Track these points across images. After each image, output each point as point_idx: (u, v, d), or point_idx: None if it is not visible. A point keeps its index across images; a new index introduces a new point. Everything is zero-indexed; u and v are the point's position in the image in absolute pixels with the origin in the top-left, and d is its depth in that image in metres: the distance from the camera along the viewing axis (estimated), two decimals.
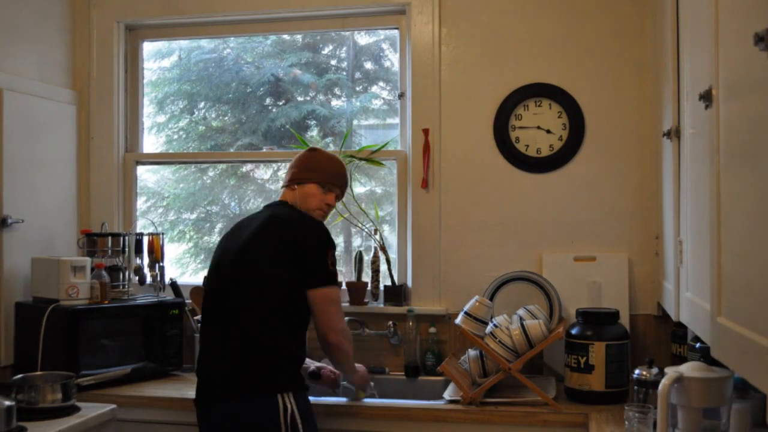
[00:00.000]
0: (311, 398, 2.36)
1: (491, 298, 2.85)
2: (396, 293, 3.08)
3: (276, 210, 2.46)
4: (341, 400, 2.58)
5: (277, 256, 2.29)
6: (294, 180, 2.51)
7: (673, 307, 2.20)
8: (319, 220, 2.46)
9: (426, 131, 3.07)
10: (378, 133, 3.42)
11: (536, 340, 2.53)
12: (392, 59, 3.39)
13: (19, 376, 2.51)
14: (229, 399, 2.23)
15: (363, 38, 3.49)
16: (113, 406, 2.57)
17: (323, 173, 2.51)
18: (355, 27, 3.35)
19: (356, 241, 3.43)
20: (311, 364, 2.60)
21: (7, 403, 2.21)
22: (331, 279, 2.33)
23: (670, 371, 1.80)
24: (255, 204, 3.54)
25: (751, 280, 1.13)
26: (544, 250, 2.98)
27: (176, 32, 3.46)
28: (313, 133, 3.47)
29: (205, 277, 2.55)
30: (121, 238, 3.11)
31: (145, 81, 3.53)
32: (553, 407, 2.44)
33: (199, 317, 3.09)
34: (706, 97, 1.42)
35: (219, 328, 2.31)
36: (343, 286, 3.08)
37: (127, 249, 3.15)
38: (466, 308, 2.61)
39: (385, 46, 3.45)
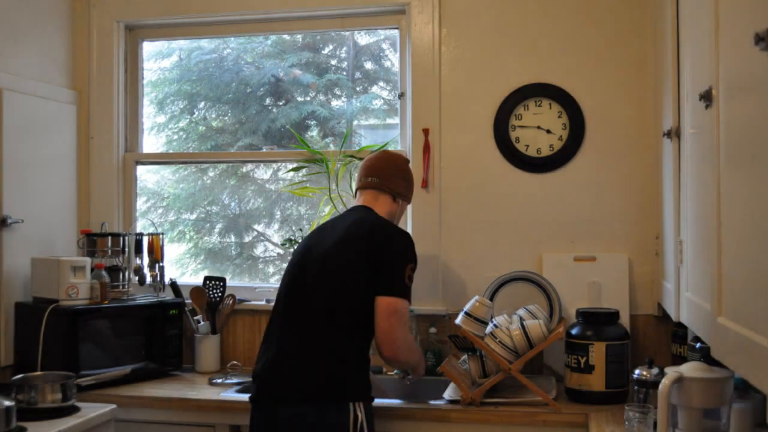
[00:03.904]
0: None
1: (491, 298, 2.85)
2: None
3: (362, 214, 2.41)
4: None
5: (360, 261, 2.25)
6: (398, 193, 2.50)
7: (673, 307, 2.20)
8: (407, 232, 2.43)
9: (426, 131, 3.07)
10: (378, 133, 3.42)
11: (536, 340, 2.53)
12: (392, 59, 3.39)
13: (19, 376, 2.51)
14: (301, 402, 2.18)
15: (363, 38, 3.49)
16: (113, 406, 2.57)
17: (411, 193, 2.59)
18: (355, 27, 3.35)
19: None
20: None
21: (7, 403, 2.21)
22: (403, 291, 2.25)
23: (670, 371, 1.80)
24: (255, 204, 3.55)
25: (751, 280, 1.13)
26: (544, 250, 2.98)
27: (176, 32, 3.45)
28: (313, 133, 3.47)
29: (283, 276, 2.42)
30: (121, 239, 3.11)
31: (145, 81, 3.53)
32: (553, 407, 2.44)
33: (199, 317, 3.10)
34: (706, 97, 1.42)
35: (297, 330, 2.25)
36: None
37: (127, 249, 3.15)
38: (466, 308, 2.61)
39: (385, 46, 3.45)
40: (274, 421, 2.22)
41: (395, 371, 2.61)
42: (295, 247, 2.48)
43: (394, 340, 2.22)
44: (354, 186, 2.56)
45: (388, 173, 2.48)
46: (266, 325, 2.41)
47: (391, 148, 3.18)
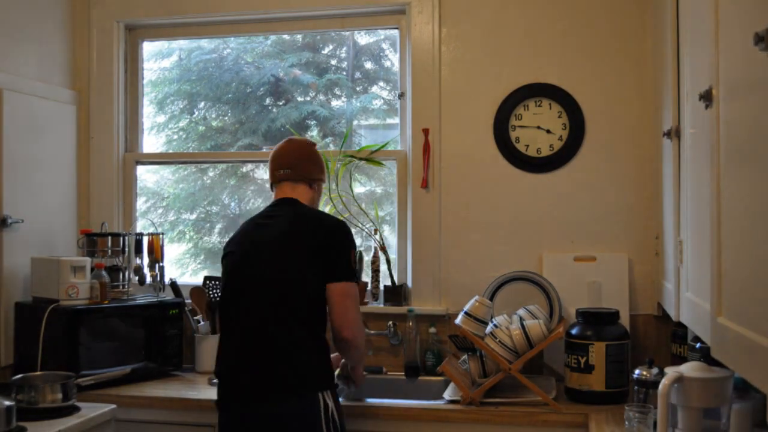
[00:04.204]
0: None
1: (491, 298, 2.85)
2: (396, 293, 3.08)
3: (297, 209, 2.42)
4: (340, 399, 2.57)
5: (308, 254, 2.29)
6: (313, 179, 2.51)
7: (673, 307, 2.20)
8: (343, 221, 2.47)
9: (426, 131, 3.07)
10: (378, 133, 3.42)
11: (536, 340, 2.53)
12: (392, 59, 3.39)
13: (19, 376, 2.51)
14: (273, 401, 2.19)
15: (363, 38, 3.49)
16: (113, 406, 2.57)
17: (324, 173, 2.58)
18: (355, 27, 3.35)
19: (356, 241, 3.42)
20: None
21: (7, 403, 2.21)
22: (351, 275, 2.34)
23: (670, 371, 1.80)
24: (255, 204, 3.54)
25: (751, 279, 1.13)
26: (544, 250, 2.98)
27: (176, 32, 3.46)
28: (313, 133, 3.47)
29: (223, 278, 2.43)
30: (121, 238, 3.11)
31: (145, 81, 3.53)
32: (553, 407, 2.44)
33: (199, 317, 3.10)
34: (706, 97, 1.42)
35: (253, 329, 2.26)
36: None
37: (127, 249, 3.15)
38: (466, 308, 2.61)
39: (385, 46, 3.45)
40: (247, 421, 2.22)
41: (336, 380, 2.55)
42: (225, 252, 2.45)
43: (351, 320, 2.30)
44: (270, 182, 2.55)
45: (297, 162, 2.49)
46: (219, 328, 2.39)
47: (391, 147, 3.18)
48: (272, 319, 2.24)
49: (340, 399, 2.52)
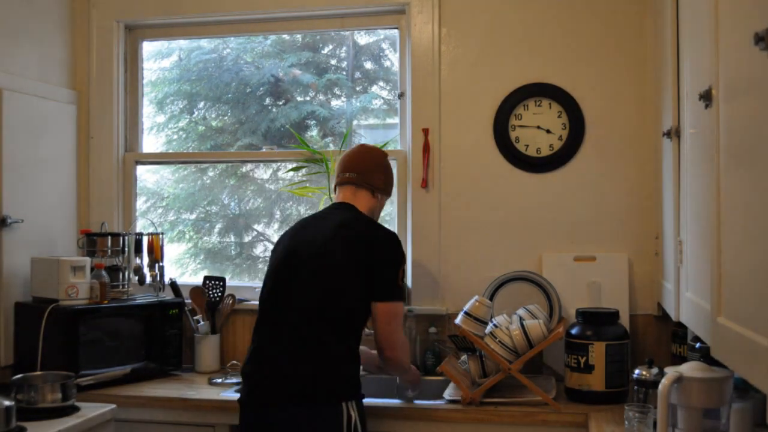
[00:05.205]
0: None
1: (491, 298, 2.85)
2: None
3: (347, 213, 2.38)
4: None
5: (353, 266, 2.25)
6: (377, 188, 2.47)
7: (673, 307, 2.20)
8: (394, 233, 2.41)
9: (426, 131, 3.07)
10: (378, 133, 3.42)
11: (536, 340, 2.53)
12: (392, 59, 3.39)
13: (19, 376, 2.51)
14: (293, 403, 2.16)
15: (363, 38, 3.49)
16: (113, 406, 2.56)
17: (391, 186, 2.57)
18: (355, 27, 3.35)
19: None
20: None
21: (7, 403, 2.21)
22: (398, 295, 2.31)
23: (670, 371, 1.80)
24: (255, 204, 3.55)
25: (751, 280, 1.13)
26: (544, 250, 2.98)
27: (176, 32, 3.45)
28: (313, 133, 3.47)
29: (266, 274, 2.42)
30: (121, 238, 3.11)
31: (144, 81, 3.53)
32: (553, 407, 2.44)
33: (198, 317, 3.10)
34: (706, 97, 1.43)
35: (285, 330, 2.24)
36: None
37: (126, 249, 3.15)
38: (466, 308, 2.61)
39: (385, 45, 3.45)
40: (266, 423, 2.20)
41: (397, 386, 2.59)
42: (274, 245, 2.45)
43: (395, 341, 2.31)
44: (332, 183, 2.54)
45: (365, 168, 2.46)
46: (254, 325, 2.39)
47: (390, 147, 3.18)
48: (305, 324, 2.22)
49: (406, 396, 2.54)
